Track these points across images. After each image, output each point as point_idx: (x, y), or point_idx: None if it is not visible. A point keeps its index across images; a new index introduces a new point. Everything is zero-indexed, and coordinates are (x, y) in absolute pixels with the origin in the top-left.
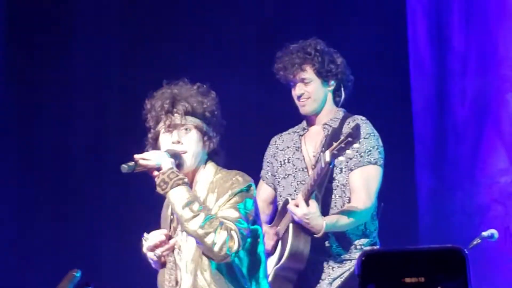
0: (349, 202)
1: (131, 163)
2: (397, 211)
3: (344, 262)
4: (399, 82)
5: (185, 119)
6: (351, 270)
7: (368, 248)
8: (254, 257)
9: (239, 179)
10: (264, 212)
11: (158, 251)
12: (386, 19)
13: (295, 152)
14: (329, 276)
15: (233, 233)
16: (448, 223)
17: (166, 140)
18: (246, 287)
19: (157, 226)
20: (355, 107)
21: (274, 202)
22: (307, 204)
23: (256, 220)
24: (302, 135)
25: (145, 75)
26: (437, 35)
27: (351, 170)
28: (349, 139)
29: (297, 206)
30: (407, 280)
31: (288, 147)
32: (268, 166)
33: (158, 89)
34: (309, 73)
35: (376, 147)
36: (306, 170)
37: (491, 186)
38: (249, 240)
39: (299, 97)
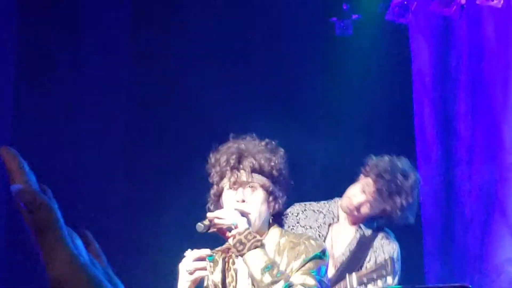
0: None
1: (206, 222)
2: None
3: None
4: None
5: (251, 177)
6: None
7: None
8: None
9: (312, 243)
10: None
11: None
12: (393, 109)
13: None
14: None
15: None
16: None
17: (230, 197)
18: None
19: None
20: None
21: None
22: None
23: (328, 286)
24: (331, 224)
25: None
26: (443, 125)
27: (373, 283)
28: (383, 271)
29: None
30: None
31: (310, 227)
32: None
33: (223, 144)
34: (381, 206)
35: (399, 271)
36: None
37: (499, 275)
38: None
39: (355, 206)
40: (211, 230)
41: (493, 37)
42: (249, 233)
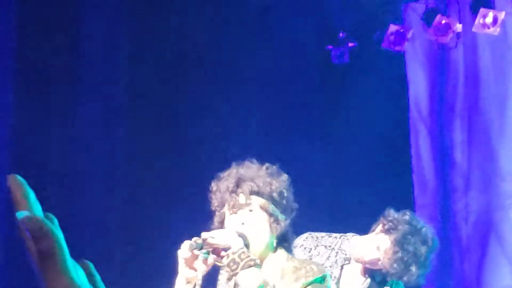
0: None
1: (199, 241)
2: None
3: None
4: (402, 199)
5: (249, 199)
6: None
7: None
8: None
9: (313, 268)
10: None
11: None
12: (390, 137)
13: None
14: None
15: None
16: None
17: (231, 222)
18: None
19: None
20: (362, 227)
21: None
22: None
23: None
24: (343, 266)
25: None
26: (440, 152)
27: None
28: None
29: None
30: None
31: (322, 265)
32: None
33: (224, 170)
34: (395, 272)
35: None
36: None
37: None
38: None
39: (370, 261)
40: (204, 250)
41: (490, 65)
42: (243, 252)
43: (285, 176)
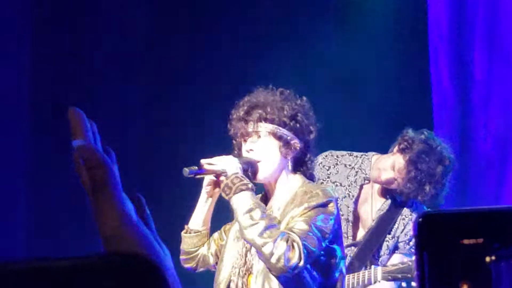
0: None
1: (194, 167)
2: None
3: None
4: (422, 118)
5: (257, 126)
6: None
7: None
8: (329, 279)
9: (319, 193)
10: None
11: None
12: (408, 55)
13: (346, 197)
14: None
15: (294, 244)
16: None
17: (243, 149)
18: None
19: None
20: (381, 144)
21: None
22: None
23: (334, 239)
24: (362, 185)
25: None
26: (459, 70)
27: (394, 251)
28: (408, 274)
29: None
30: (466, 241)
31: (340, 185)
32: None
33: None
34: (412, 192)
35: None
36: (349, 222)
37: None
38: (322, 258)
39: (385, 181)
40: (199, 176)
41: None
42: (236, 177)
43: (301, 100)
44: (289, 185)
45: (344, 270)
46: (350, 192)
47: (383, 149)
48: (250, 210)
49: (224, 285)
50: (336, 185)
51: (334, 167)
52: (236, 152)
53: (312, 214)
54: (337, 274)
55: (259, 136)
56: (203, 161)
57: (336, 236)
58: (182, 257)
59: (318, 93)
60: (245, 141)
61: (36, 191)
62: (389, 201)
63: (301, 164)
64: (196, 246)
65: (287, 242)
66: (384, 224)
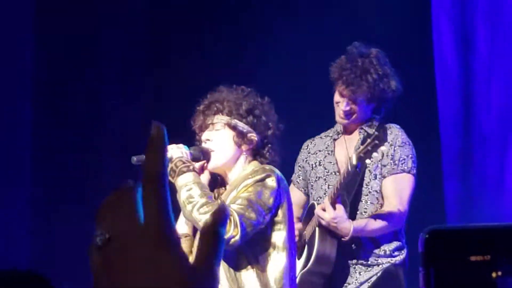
0: (381, 208)
1: (142, 156)
2: (424, 219)
3: (372, 266)
4: (425, 88)
5: (214, 118)
6: (378, 275)
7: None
8: (272, 249)
9: (258, 170)
10: (296, 216)
11: None
12: (411, 25)
13: (327, 156)
14: (356, 280)
15: (231, 218)
16: None
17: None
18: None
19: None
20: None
21: (305, 206)
22: (334, 208)
23: (276, 213)
24: (336, 139)
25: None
26: (462, 41)
27: (385, 177)
28: (376, 141)
29: (324, 210)
30: (473, 258)
31: (319, 151)
32: (300, 171)
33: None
34: (362, 96)
35: (410, 156)
36: (338, 174)
37: None
38: (267, 232)
39: (344, 112)
40: None
41: None
42: (179, 160)
43: (262, 99)
44: (245, 170)
45: (286, 245)
46: (328, 151)
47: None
48: (189, 189)
49: None
50: (316, 153)
51: (311, 142)
52: (200, 144)
53: (251, 189)
54: (279, 242)
55: (216, 128)
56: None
57: (281, 208)
58: None
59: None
60: (202, 132)
61: (39, 190)
62: (361, 135)
63: (259, 155)
64: (189, 249)
65: None
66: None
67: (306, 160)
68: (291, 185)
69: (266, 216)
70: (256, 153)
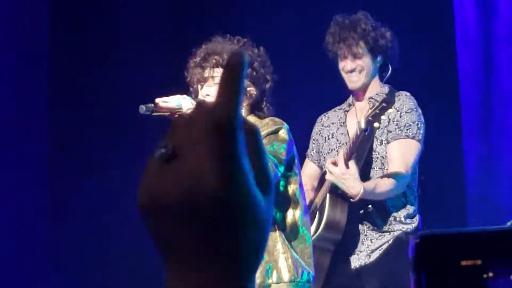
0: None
1: (150, 105)
2: (444, 179)
3: (384, 233)
4: (445, 49)
5: (213, 72)
6: (390, 242)
7: (419, 231)
8: (288, 204)
9: (268, 122)
10: (309, 190)
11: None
12: None
13: (340, 128)
14: (367, 247)
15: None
16: (496, 190)
17: (199, 95)
18: (277, 232)
19: None
20: (402, 76)
21: (319, 179)
22: (347, 166)
23: (290, 165)
24: (348, 111)
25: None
26: (483, 2)
27: (389, 142)
28: (383, 104)
29: (335, 165)
30: (463, 263)
31: (333, 123)
32: (314, 143)
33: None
34: (362, 48)
35: (417, 122)
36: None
37: None
38: (281, 184)
39: (350, 71)
40: (156, 114)
41: None
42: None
43: (259, 50)
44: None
45: (301, 197)
46: (340, 122)
47: (406, 84)
48: None
49: None
50: (329, 126)
51: (325, 115)
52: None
53: (266, 142)
54: (296, 195)
55: (216, 82)
56: (158, 100)
57: (292, 161)
58: None
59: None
60: (201, 87)
61: (55, 193)
62: (371, 104)
63: (257, 109)
64: None
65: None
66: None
67: (320, 133)
68: (306, 159)
69: (281, 167)
70: (254, 108)
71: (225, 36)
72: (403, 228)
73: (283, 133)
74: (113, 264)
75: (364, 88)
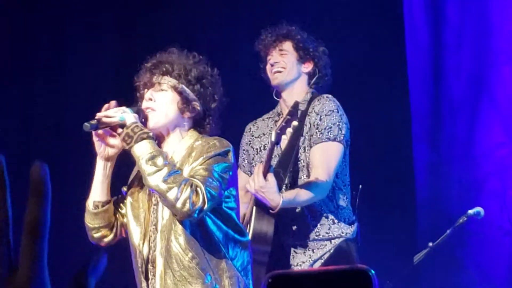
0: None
1: (94, 121)
2: (394, 186)
3: (324, 242)
4: (395, 56)
5: (162, 79)
6: (331, 251)
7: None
8: (230, 222)
9: (216, 144)
10: (242, 201)
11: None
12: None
13: (269, 137)
14: (310, 258)
15: (198, 189)
16: (445, 197)
17: (144, 99)
18: (222, 252)
19: None
20: (353, 83)
21: None
22: (265, 178)
23: (233, 186)
24: (277, 121)
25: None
26: (432, 9)
27: (311, 147)
28: (288, 117)
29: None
30: None
31: (263, 134)
32: (244, 154)
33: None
34: (287, 45)
35: (338, 123)
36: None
37: (488, 160)
38: (223, 205)
39: (272, 65)
40: (101, 128)
41: None
42: (136, 126)
43: (212, 70)
44: (183, 141)
45: (238, 219)
46: (271, 133)
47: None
48: (153, 157)
49: (142, 245)
50: (260, 137)
51: (254, 125)
52: (138, 104)
53: (212, 162)
54: (235, 217)
55: (162, 88)
56: (99, 115)
57: (234, 184)
58: (96, 234)
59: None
60: (147, 89)
61: None
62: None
63: (198, 126)
64: (112, 217)
65: (191, 187)
66: (296, 132)
67: (250, 144)
68: (238, 169)
69: (224, 189)
70: (196, 123)
71: (183, 50)
72: (342, 233)
73: (230, 156)
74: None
75: (289, 91)
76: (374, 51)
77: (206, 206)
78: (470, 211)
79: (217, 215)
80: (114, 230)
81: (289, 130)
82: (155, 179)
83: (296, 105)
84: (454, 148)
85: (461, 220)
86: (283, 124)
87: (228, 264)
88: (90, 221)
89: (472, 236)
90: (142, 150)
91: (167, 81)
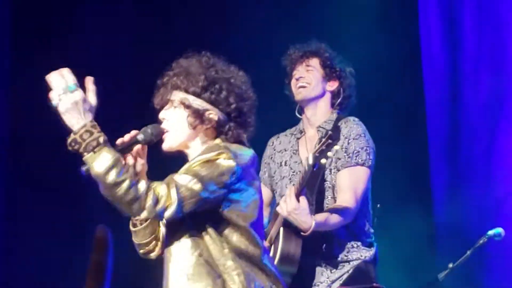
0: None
1: (87, 166)
2: (412, 208)
3: (343, 264)
4: (412, 83)
5: (172, 95)
6: (350, 272)
7: None
8: (232, 227)
9: (212, 148)
10: (265, 215)
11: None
12: (399, 21)
13: (293, 156)
14: (327, 278)
15: (162, 191)
16: (463, 219)
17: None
18: (231, 252)
19: None
20: (372, 108)
21: (272, 203)
22: (298, 200)
23: (228, 189)
24: (299, 138)
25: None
26: (449, 36)
27: (339, 170)
28: (329, 141)
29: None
30: None
31: (285, 150)
32: (266, 167)
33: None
34: (314, 62)
35: (365, 148)
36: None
37: (506, 181)
38: (221, 209)
39: (297, 79)
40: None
41: None
42: (85, 132)
43: (228, 69)
44: (208, 146)
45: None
46: (293, 149)
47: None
48: (112, 167)
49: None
50: (282, 152)
51: (277, 139)
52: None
53: (196, 166)
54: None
55: (174, 106)
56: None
57: (238, 189)
58: (141, 251)
59: None
60: (159, 109)
61: None
62: (320, 134)
63: (222, 133)
64: (153, 233)
65: (154, 191)
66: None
67: (272, 158)
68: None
69: (217, 190)
70: (220, 131)
71: (192, 54)
72: (361, 256)
73: (221, 158)
74: None
75: (312, 107)
76: (392, 79)
77: (174, 206)
78: (490, 232)
79: (216, 218)
80: (160, 244)
81: (330, 154)
82: (118, 192)
83: (339, 125)
84: (472, 170)
85: (481, 241)
86: (323, 147)
87: (237, 262)
88: (133, 239)
89: (492, 257)
90: (98, 159)
91: (176, 96)
